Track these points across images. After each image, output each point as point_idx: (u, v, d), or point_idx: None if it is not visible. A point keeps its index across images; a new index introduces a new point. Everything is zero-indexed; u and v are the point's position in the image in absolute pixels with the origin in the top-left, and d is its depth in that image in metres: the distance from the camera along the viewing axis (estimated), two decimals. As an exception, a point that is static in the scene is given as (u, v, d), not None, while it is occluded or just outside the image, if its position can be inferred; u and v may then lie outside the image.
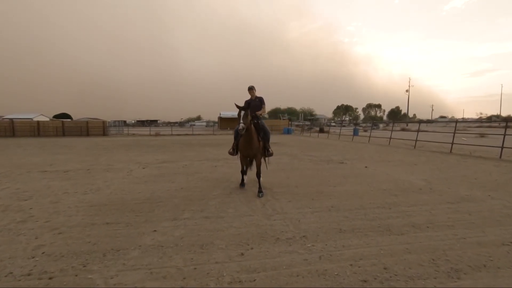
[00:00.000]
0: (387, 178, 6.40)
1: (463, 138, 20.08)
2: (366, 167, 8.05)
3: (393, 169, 7.64)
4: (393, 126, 18.22)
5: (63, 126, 27.02)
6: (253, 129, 4.98)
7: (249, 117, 4.71)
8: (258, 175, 5.15)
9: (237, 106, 4.75)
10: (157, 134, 30.48)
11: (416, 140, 13.45)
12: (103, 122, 29.16)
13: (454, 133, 11.82)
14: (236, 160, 9.33)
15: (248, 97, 5.67)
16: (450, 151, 11.44)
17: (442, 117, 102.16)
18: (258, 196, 4.89)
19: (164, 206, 4.28)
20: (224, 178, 6.52)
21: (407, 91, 69.51)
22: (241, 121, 4.53)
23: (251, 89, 5.60)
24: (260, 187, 5.07)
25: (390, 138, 15.61)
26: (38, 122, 26.97)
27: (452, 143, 11.61)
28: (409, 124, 41.44)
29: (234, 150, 5.44)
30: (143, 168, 7.95)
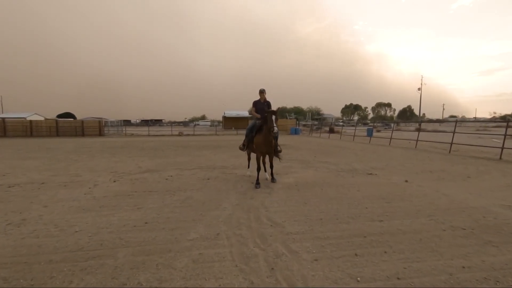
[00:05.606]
0: (449, 204, 4.41)
1: (494, 140, 17.85)
2: (406, 181, 6.06)
3: (445, 186, 5.63)
4: (420, 126, 16.01)
5: (57, 126, 25.50)
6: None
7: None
8: (271, 166, 5.98)
9: (268, 111, 5.27)
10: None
11: (451, 143, 11.31)
12: (99, 121, 27.56)
13: (505, 135, 9.64)
14: (234, 170, 7.46)
15: (257, 98, 5.98)
16: (500, 158, 9.32)
17: (452, 116, 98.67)
18: (272, 181, 5.88)
19: (94, 272, 2.40)
20: (214, 200, 4.62)
21: (419, 89, 66.35)
22: (275, 125, 5.09)
23: (262, 92, 5.92)
24: (272, 175, 6.00)
25: (417, 140, 13.45)
26: (30, 121, 25.50)
27: (503, 148, 9.46)
28: (421, 124, 38.81)
29: (245, 146, 6.03)
30: (114, 182, 6.12)
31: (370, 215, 3.84)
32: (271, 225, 3.48)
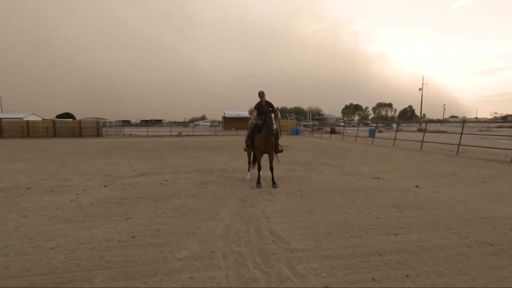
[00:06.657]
0: (468, 213, 4.02)
1: (500, 141, 17.48)
2: (417, 186, 5.67)
3: (460, 192, 5.23)
4: (426, 126, 15.62)
5: (54, 126, 25.10)
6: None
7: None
8: (271, 168, 5.78)
9: (267, 109, 5.38)
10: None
11: (459, 145, 10.92)
12: (97, 122, 27.17)
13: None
14: (234, 173, 7.07)
15: (258, 100, 6.10)
16: (511, 160, 8.92)
17: (452, 116, 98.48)
18: (274, 186, 5.53)
19: (63, 303, 2.01)
20: (210, 209, 4.23)
21: (420, 89, 65.95)
22: (274, 122, 5.21)
23: (262, 95, 6.02)
24: (273, 179, 5.71)
25: (423, 141, 13.05)
26: (27, 122, 25.09)
27: (514, 150, 9.06)
28: (421, 124, 38.41)
29: (249, 147, 6.08)
30: (105, 186, 5.73)
31: (383, 227, 3.45)
32: (273, 240, 3.09)
